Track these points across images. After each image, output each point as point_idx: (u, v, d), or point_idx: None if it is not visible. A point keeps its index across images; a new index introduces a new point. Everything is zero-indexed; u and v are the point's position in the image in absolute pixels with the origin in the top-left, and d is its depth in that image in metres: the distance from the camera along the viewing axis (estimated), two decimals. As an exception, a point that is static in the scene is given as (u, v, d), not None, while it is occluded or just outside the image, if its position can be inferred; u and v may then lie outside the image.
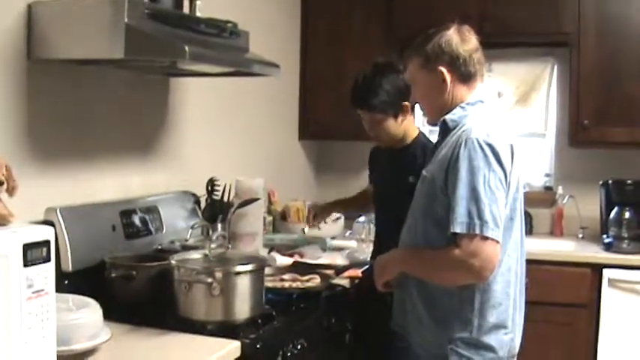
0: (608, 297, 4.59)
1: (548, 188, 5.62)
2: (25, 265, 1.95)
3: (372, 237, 4.10)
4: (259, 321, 2.81)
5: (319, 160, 6.02)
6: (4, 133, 2.76)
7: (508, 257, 2.71)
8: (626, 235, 4.83)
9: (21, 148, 2.83)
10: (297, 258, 3.83)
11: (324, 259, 3.96)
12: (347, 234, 5.06)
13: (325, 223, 4.16)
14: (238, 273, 2.75)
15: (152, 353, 2.47)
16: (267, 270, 3.08)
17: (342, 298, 3.52)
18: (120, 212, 3.22)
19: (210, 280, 2.66)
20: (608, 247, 4.82)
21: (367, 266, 3.56)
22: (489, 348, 2.69)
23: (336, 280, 3.54)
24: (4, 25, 2.72)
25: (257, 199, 3.63)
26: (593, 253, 4.78)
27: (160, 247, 3.31)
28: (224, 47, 3.13)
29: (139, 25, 2.63)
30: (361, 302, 3.60)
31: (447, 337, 2.71)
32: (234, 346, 2.55)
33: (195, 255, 2.96)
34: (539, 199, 5.53)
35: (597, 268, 4.64)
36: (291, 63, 5.39)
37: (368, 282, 3.12)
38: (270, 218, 4.86)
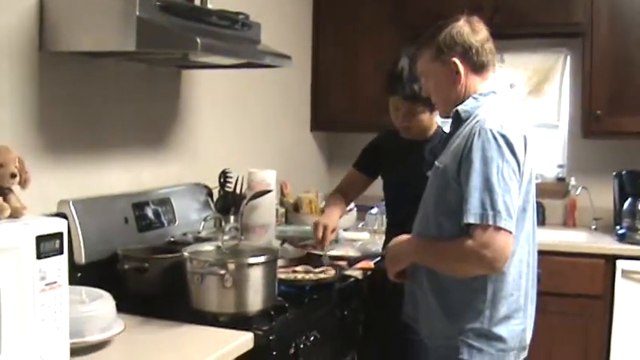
0: (622, 288, 4.58)
1: (561, 179, 5.60)
2: (38, 257, 1.96)
3: (384, 228, 4.08)
4: (272, 313, 2.80)
5: (331, 152, 6.02)
6: (17, 125, 2.76)
7: (520, 248, 2.70)
8: (639, 226, 4.81)
9: (33, 141, 2.84)
10: (309, 250, 3.82)
11: (337, 250, 3.96)
12: (359, 225, 5.06)
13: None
14: (251, 265, 2.75)
15: (165, 345, 2.48)
16: (279, 262, 3.08)
17: (354, 289, 3.52)
18: (132, 204, 3.22)
19: (222, 271, 2.66)
20: (621, 238, 4.81)
21: (379, 258, 3.55)
22: (500, 339, 2.69)
23: (349, 272, 3.53)
24: (16, 17, 2.72)
25: (269, 191, 3.63)
26: (607, 244, 4.77)
27: (172, 240, 3.31)
28: (236, 39, 3.13)
29: (151, 18, 2.63)
30: (373, 294, 3.60)
31: (457, 328, 2.71)
32: (246, 338, 2.56)
33: (208, 247, 2.97)
34: (552, 190, 5.51)
35: (610, 259, 4.63)
36: (302, 54, 5.38)
37: (380, 273, 3.11)
38: (282, 210, 4.86)
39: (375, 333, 3.64)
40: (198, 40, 2.59)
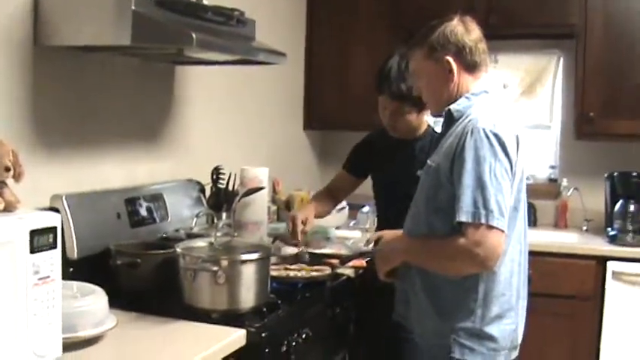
0: (612, 289, 4.59)
1: (552, 180, 5.62)
2: (32, 251, 1.95)
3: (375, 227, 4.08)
4: (264, 310, 2.80)
5: (324, 150, 6.02)
6: (11, 119, 2.75)
7: (512, 248, 2.71)
8: (630, 228, 4.83)
9: (27, 135, 2.83)
10: (301, 248, 3.82)
11: (329, 249, 3.96)
12: (351, 224, 5.07)
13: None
14: (244, 261, 2.74)
15: (157, 341, 2.47)
16: (271, 259, 3.08)
17: (346, 287, 3.52)
18: (125, 200, 3.22)
19: (215, 268, 2.66)
20: (612, 240, 4.82)
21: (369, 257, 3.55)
22: (492, 338, 2.69)
23: (341, 270, 3.53)
24: (10, 11, 2.71)
25: (262, 188, 3.62)
26: (598, 246, 4.78)
27: (165, 235, 3.31)
28: (231, 35, 3.12)
29: (146, 12, 2.62)
30: (365, 292, 3.60)
31: (449, 327, 2.71)
32: (239, 335, 2.56)
33: (201, 243, 2.96)
34: (543, 191, 5.53)
35: (601, 261, 4.64)
36: (296, 52, 5.38)
37: (371, 272, 3.12)
38: (274, 207, 4.86)
39: (366, 331, 3.64)
40: (194, 35, 2.59)
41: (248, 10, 3.27)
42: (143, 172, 3.54)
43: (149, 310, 2.74)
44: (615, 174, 5.09)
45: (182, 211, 3.58)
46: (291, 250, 3.67)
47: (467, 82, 2.80)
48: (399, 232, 2.99)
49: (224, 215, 3.62)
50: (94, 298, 2.41)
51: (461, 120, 2.72)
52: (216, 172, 3.76)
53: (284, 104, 5.35)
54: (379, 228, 3.77)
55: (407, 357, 3.13)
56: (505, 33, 4.93)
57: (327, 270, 3.43)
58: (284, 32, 5.02)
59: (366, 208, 4.97)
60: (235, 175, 3.77)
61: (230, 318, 2.68)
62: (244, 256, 2.77)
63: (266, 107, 5.00)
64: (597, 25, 4.93)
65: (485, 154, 2.54)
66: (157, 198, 3.43)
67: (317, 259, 3.58)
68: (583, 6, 4.94)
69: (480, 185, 2.52)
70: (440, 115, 2.89)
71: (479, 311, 2.68)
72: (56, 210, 2.71)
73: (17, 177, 2.10)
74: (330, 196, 3.98)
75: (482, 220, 2.50)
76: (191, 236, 3.22)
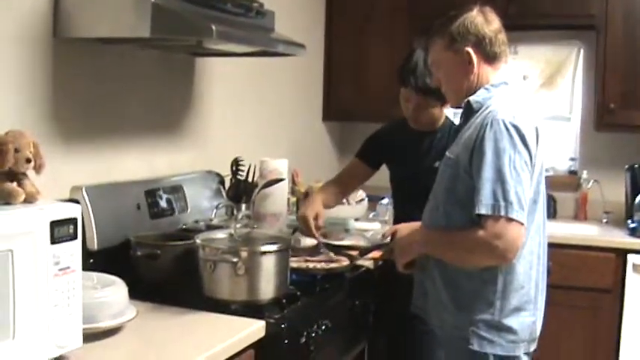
0: (633, 282, 4.57)
1: (572, 172, 5.60)
2: (52, 242, 1.97)
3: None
4: (284, 301, 2.81)
5: (343, 142, 6.01)
6: (32, 111, 2.77)
7: (531, 240, 2.69)
8: (651, 221, 4.81)
9: (47, 127, 2.85)
10: (321, 239, 3.82)
11: (348, 240, 3.96)
12: (370, 216, 5.06)
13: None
14: (264, 253, 2.75)
15: (176, 332, 2.48)
16: (291, 250, 3.08)
17: (365, 279, 3.52)
18: (145, 191, 3.23)
19: (235, 259, 2.66)
20: (632, 232, 4.79)
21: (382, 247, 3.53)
22: (511, 330, 2.68)
23: (360, 262, 3.53)
24: (31, 3, 2.72)
25: (281, 180, 3.62)
26: (618, 238, 4.76)
27: (184, 227, 3.32)
28: (250, 27, 3.13)
29: (166, 4, 2.63)
30: (384, 284, 3.60)
31: (468, 319, 2.70)
32: (258, 326, 2.56)
33: (220, 234, 2.96)
34: (563, 183, 5.51)
35: (621, 254, 4.62)
36: (315, 44, 5.38)
37: (390, 263, 3.11)
38: (293, 199, 4.85)
39: (385, 323, 3.65)
40: (214, 27, 2.59)
41: (267, 1, 3.28)
42: (163, 164, 3.55)
43: (169, 301, 2.75)
44: (636, 166, 5.07)
45: (202, 203, 3.59)
46: (310, 242, 3.67)
47: (486, 73, 2.79)
48: (415, 224, 2.98)
49: (243, 207, 3.63)
50: (114, 289, 2.42)
51: (480, 111, 2.71)
52: (236, 163, 3.77)
53: (303, 96, 5.35)
54: (396, 220, 3.76)
55: (425, 349, 3.13)
56: (524, 23, 4.89)
57: (346, 261, 3.43)
58: (303, 23, 5.02)
59: (385, 200, 4.97)
60: (255, 166, 3.78)
61: (249, 309, 2.68)
62: (264, 248, 2.77)
63: (285, 99, 5.00)
64: (618, 16, 4.90)
65: (504, 145, 2.53)
66: (176, 189, 3.44)
67: (335, 251, 3.57)
68: (604, -3, 4.92)
69: (500, 177, 2.50)
70: (459, 107, 2.88)
71: (498, 303, 2.67)
72: (76, 201, 2.72)
73: (38, 168, 2.11)
74: (340, 185, 3.93)
75: (502, 213, 2.48)
76: (211, 228, 3.24)
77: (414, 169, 3.60)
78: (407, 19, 5.25)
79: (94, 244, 2.86)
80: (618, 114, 4.93)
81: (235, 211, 3.38)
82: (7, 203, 2.00)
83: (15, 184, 2.03)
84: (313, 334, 2.85)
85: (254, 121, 4.54)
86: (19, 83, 2.71)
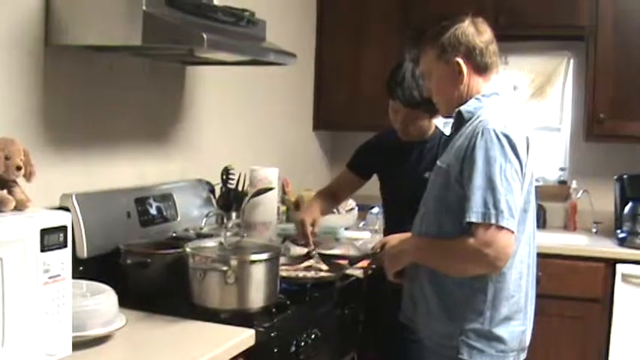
0: (622, 292, 4.58)
1: (562, 182, 5.62)
2: (42, 250, 1.97)
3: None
4: (273, 310, 2.81)
5: (333, 151, 6.02)
6: (22, 118, 2.76)
7: (521, 249, 2.70)
8: (640, 231, 4.82)
9: (37, 134, 2.84)
10: (311, 248, 3.82)
11: (338, 249, 3.96)
12: (360, 225, 5.07)
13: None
14: (253, 261, 2.74)
15: (166, 340, 2.48)
16: (281, 259, 3.08)
17: (355, 288, 3.52)
18: (135, 199, 3.22)
19: (225, 268, 2.66)
20: (622, 242, 4.81)
21: (370, 256, 3.53)
22: (500, 339, 2.69)
23: (350, 271, 3.53)
24: (22, 10, 2.72)
25: (271, 189, 3.62)
26: (607, 248, 4.77)
27: (174, 235, 3.31)
28: (241, 36, 3.13)
29: (157, 12, 2.63)
30: (373, 293, 3.60)
31: (457, 328, 2.71)
32: (248, 335, 2.56)
33: (210, 243, 2.96)
34: (553, 193, 5.52)
35: (611, 263, 4.63)
36: (306, 53, 5.38)
37: (380, 273, 3.11)
38: (283, 208, 4.86)
39: (374, 332, 3.65)
40: (205, 36, 2.59)
41: (258, 10, 3.28)
42: (153, 172, 3.55)
43: (158, 310, 2.74)
44: (625, 176, 5.08)
45: (192, 211, 3.58)
46: (300, 250, 3.67)
47: (477, 83, 2.80)
48: (404, 235, 2.99)
49: (234, 215, 3.63)
50: (104, 297, 2.41)
51: (471, 121, 2.72)
52: (226, 172, 3.77)
53: (294, 105, 5.35)
54: (386, 229, 3.77)
55: (415, 358, 3.13)
56: (515, 34, 4.91)
57: (336, 271, 3.43)
58: (294, 33, 5.02)
59: (375, 209, 4.97)
60: (245, 175, 3.78)
61: (239, 318, 2.68)
62: (254, 256, 2.77)
63: (276, 108, 5.00)
64: (607, 27, 4.92)
65: (495, 154, 2.54)
66: (166, 198, 3.44)
67: (326, 260, 3.57)
68: (593, 8, 4.93)
69: (491, 186, 2.51)
70: (450, 117, 2.89)
71: (488, 313, 2.68)
72: (66, 209, 2.72)
73: (28, 176, 2.11)
74: (331, 196, 3.95)
75: (492, 221, 2.49)
76: (201, 236, 3.23)
77: (404, 178, 3.61)
78: (398, 27, 5.25)
79: (83, 252, 2.86)
80: (608, 124, 4.94)
81: (225, 220, 3.38)
82: (-3, 211, 2.00)
83: (5, 191, 2.04)
84: (303, 343, 2.85)
85: (244, 129, 4.54)
86: (10, 91, 2.70)
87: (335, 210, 4.34)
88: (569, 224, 5.47)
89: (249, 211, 3.58)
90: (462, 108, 2.77)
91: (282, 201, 4.90)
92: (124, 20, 2.65)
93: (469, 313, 2.70)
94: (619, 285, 4.58)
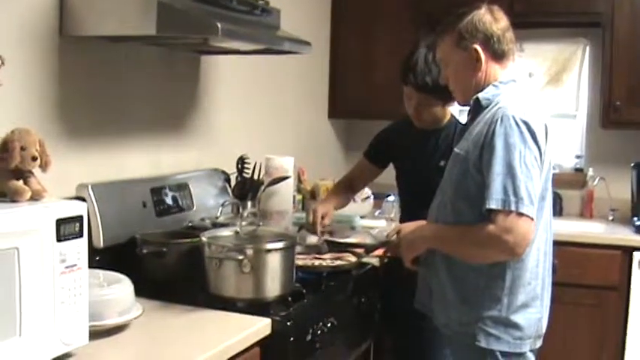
0: (639, 280, 4.56)
1: (578, 170, 5.59)
2: (58, 240, 1.97)
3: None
4: (289, 299, 2.81)
5: (348, 139, 6.02)
6: (38, 109, 2.77)
7: (538, 237, 2.70)
8: (657, 218, 4.80)
9: (53, 125, 2.85)
10: (326, 237, 3.82)
11: (354, 238, 3.96)
12: (376, 213, 5.07)
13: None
14: (269, 250, 2.74)
15: (182, 329, 2.47)
16: (297, 248, 3.08)
17: (371, 277, 3.52)
18: (150, 189, 3.23)
19: (241, 257, 2.66)
20: (638, 230, 4.79)
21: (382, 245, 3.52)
22: (517, 326, 2.68)
23: (366, 259, 3.53)
24: (36, 2, 2.72)
25: (287, 177, 3.62)
26: (624, 236, 4.76)
27: (190, 224, 3.32)
28: (255, 24, 3.13)
29: (171, 2, 2.62)
30: (389, 281, 3.60)
31: (474, 315, 2.70)
32: (264, 324, 2.56)
33: (226, 232, 2.97)
34: (569, 181, 5.50)
35: (628, 251, 4.62)
36: (321, 41, 5.38)
37: (396, 260, 3.11)
38: (299, 197, 4.86)
39: (391, 320, 3.64)
40: (219, 25, 2.59)
41: (273, -1, 3.28)
42: (169, 162, 3.55)
43: (174, 299, 2.75)
44: (642, 163, 5.06)
45: (207, 201, 3.59)
46: (315, 240, 3.67)
47: (494, 71, 2.79)
48: (419, 222, 2.98)
49: (249, 204, 3.63)
50: (120, 287, 2.42)
51: (489, 108, 2.71)
52: (242, 161, 3.77)
53: (309, 93, 5.35)
54: (402, 217, 3.76)
55: (431, 346, 3.14)
56: (530, 21, 4.89)
57: (352, 259, 3.43)
58: (309, 21, 5.02)
59: (391, 198, 4.97)
60: (260, 164, 3.78)
61: (255, 307, 2.68)
62: (270, 245, 2.77)
63: (291, 96, 5.00)
64: (624, 13, 4.89)
65: (515, 141, 2.53)
66: (182, 187, 3.44)
67: (342, 248, 3.57)
68: (610, -6, 4.91)
69: (510, 172, 2.51)
70: (467, 105, 2.88)
71: (505, 299, 2.67)
72: (82, 199, 2.73)
73: (44, 166, 2.11)
74: (349, 186, 3.96)
75: (512, 208, 2.49)
76: (216, 225, 3.23)
77: (419, 167, 3.60)
78: (412, 15, 5.24)
79: (100, 242, 2.86)
80: (624, 111, 4.92)
81: (241, 209, 3.37)
82: (14, 201, 2.00)
83: (21, 182, 2.04)
84: (319, 332, 2.85)
85: (260, 118, 4.54)
86: (25, 81, 2.71)
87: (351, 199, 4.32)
88: (586, 212, 5.46)
89: (265, 200, 3.58)
90: (480, 95, 2.76)
91: (298, 190, 4.89)
92: (139, 10, 2.64)
93: (486, 300, 2.69)
94: (636, 272, 4.57)
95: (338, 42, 5.63)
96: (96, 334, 2.23)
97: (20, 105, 2.69)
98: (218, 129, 4.01)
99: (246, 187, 3.77)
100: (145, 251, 2.88)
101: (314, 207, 3.67)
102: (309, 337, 2.80)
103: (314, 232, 3.58)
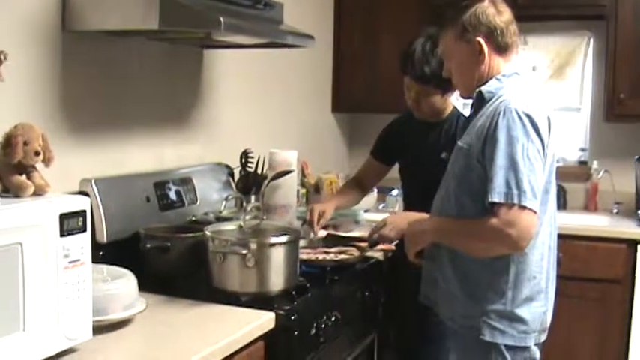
0: (643, 273, 4.56)
1: (582, 163, 5.58)
2: (62, 235, 1.97)
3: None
4: (293, 292, 2.81)
5: (352, 133, 6.02)
6: (40, 104, 2.77)
7: (542, 230, 2.69)
8: (661, 211, 4.79)
9: (56, 120, 2.85)
10: (330, 231, 3.82)
11: (357, 232, 3.96)
12: (380, 207, 5.06)
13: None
14: (273, 244, 2.75)
15: (186, 324, 2.48)
16: (300, 242, 3.07)
17: (375, 270, 3.52)
18: (154, 184, 3.23)
19: (244, 251, 2.66)
20: (643, 223, 4.79)
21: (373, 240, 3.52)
22: (522, 320, 2.68)
23: (370, 253, 3.53)
24: (39, -4, 2.73)
25: (291, 172, 3.62)
26: (628, 229, 4.75)
27: (194, 219, 3.32)
28: (258, 18, 3.12)
29: (174, -4, 2.63)
30: (394, 275, 3.60)
31: (479, 309, 2.70)
32: (268, 318, 2.57)
33: (230, 226, 2.97)
34: (573, 174, 5.49)
35: (632, 244, 4.61)
36: (325, 35, 5.37)
37: (400, 253, 3.11)
38: (303, 191, 4.85)
39: (394, 314, 3.65)
40: (222, 19, 2.58)
41: (276, -7, 3.28)
42: (172, 156, 3.56)
43: (178, 293, 2.76)
44: (646, 156, 5.05)
45: (211, 195, 3.59)
46: (320, 234, 3.68)
47: (497, 64, 2.78)
48: (409, 213, 2.98)
49: (253, 199, 3.63)
50: (124, 282, 2.42)
51: (492, 101, 2.71)
52: (245, 155, 3.76)
53: (312, 87, 5.34)
54: (406, 210, 3.76)
55: (435, 339, 3.13)
56: (533, 14, 4.87)
57: (356, 253, 3.43)
58: (312, 15, 5.01)
59: (394, 192, 4.97)
60: (264, 158, 3.78)
61: (259, 301, 2.68)
62: (273, 239, 2.77)
63: (294, 90, 5.00)
64: (628, 6, 4.88)
65: (517, 134, 2.53)
66: (186, 182, 3.44)
67: (344, 241, 3.57)
68: (613, -14, 4.89)
69: (513, 166, 2.50)
70: (470, 97, 2.87)
71: (509, 293, 2.67)
72: (86, 194, 2.72)
73: (47, 161, 2.11)
74: (358, 186, 3.96)
75: (515, 201, 2.48)
76: (220, 219, 3.23)
77: (422, 160, 3.59)
78: (417, 8, 5.22)
79: (103, 237, 2.86)
80: (628, 104, 4.91)
81: (244, 203, 3.37)
82: (17, 196, 2.00)
83: (24, 177, 2.04)
84: (323, 326, 2.85)
85: (263, 112, 4.54)
86: (28, 77, 2.71)
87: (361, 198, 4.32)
88: (590, 205, 5.45)
89: (269, 195, 3.59)
90: (483, 88, 2.75)
91: (302, 184, 4.89)
92: (141, 4, 2.64)
93: (491, 293, 2.69)
94: (640, 265, 4.57)
95: (341, 36, 5.61)
96: (100, 328, 2.23)
97: (23, 100, 2.69)
98: (221, 123, 4.01)
99: (249, 182, 3.76)
100: (148, 246, 2.89)
101: (311, 206, 3.67)
102: (313, 331, 2.80)
103: (311, 228, 3.58)
